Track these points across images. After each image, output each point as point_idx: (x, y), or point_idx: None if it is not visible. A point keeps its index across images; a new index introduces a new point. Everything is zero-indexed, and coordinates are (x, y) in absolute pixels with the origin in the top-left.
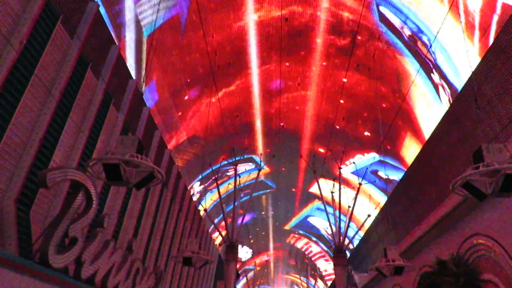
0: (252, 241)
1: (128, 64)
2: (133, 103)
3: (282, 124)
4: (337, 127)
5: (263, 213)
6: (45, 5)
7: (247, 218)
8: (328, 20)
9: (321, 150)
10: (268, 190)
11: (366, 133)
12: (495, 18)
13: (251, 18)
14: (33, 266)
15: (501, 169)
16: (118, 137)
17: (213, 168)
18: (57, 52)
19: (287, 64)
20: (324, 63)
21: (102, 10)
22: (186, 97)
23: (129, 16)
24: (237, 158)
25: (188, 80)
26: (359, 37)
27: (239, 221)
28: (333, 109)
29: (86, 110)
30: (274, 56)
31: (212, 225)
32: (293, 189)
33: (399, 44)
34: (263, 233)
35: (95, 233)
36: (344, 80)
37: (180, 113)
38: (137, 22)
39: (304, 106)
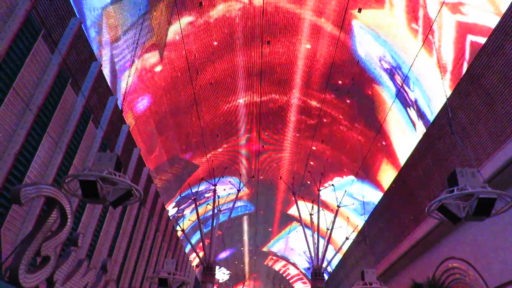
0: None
1: (108, 81)
2: (113, 120)
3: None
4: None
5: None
6: (26, 20)
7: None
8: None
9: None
10: (247, 211)
11: (345, 158)
12: (466, 53)
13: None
14: (3, 285)
15: (474, 193)
16: (96, 153)
17: (192, 189)
18: (37, 67)
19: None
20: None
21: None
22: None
23: (111, 33)
24: (216, 180)
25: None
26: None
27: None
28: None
29: (64, 126)
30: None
31: (190, 246)
32: (272, 211)
33: (376, 73)
34: (239, 260)
35: (68, 252)
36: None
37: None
38: (119, 40)
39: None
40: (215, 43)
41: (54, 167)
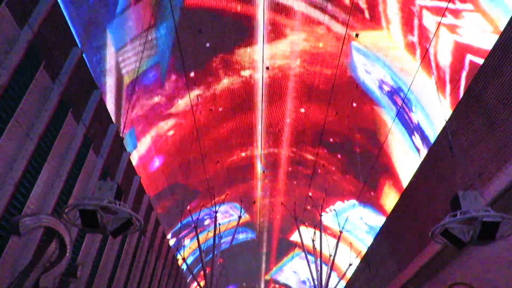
0: None
1: (109, 109)
2: (113, 148)
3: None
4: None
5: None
6: (28, 51)
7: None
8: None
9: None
10: (249, 238)
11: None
12: (464, 73)
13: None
14: None
15: (478, 217)
16: (96, 182)
17: (193, 216)
18: (38, 96)
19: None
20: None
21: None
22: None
23: (111, 62)
24: (217, 206)
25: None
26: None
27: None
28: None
29: (64, 154)
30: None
31: (191, 275)
32: (273, 237)
33: (375, 94)
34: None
35: (67, 283)
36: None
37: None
38: (119, 67)
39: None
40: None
41: (54, 196)
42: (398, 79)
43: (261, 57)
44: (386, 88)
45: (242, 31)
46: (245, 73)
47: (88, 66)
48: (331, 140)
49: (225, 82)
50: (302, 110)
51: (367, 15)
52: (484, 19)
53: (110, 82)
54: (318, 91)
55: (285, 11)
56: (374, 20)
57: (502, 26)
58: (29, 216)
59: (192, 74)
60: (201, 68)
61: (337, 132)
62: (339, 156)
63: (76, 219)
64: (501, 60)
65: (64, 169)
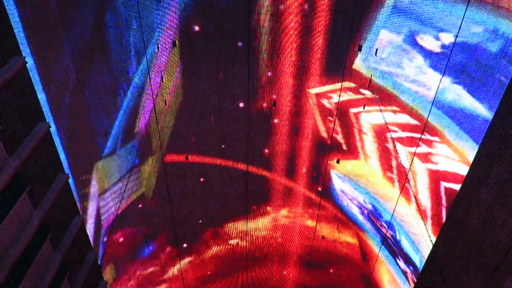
0: None
1: (90, 235)
2: (90, 277)
3: None
4: None
5: None
6: (14, 176)
7: None
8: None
9: None
10: None
11: None
12: (443, 198)
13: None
14: None
15: None
16: None
17: None
18: (17, 222)
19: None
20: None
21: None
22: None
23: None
24: None
25: None
26: None
27: None
28: None
29: (38, 282)
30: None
31: None
32: None
33: (359, 220)
34: None
35: None
36: None
37: None
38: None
39: None
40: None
41: None
42: (378, 204)
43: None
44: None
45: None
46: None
47: (73, 192)
48: None
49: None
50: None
51: None
52: None
53: (94, 206)
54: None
55: None
56: None
57: (470, 156)
58: None
59: None
60: None
61: None
62: None
63: None
64: (477, 186)
65: None
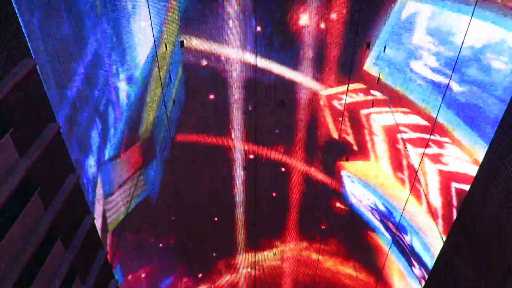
0: None
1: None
2: (100, 276)
3: None
4: None
5: None
6: (25, 177)
7: None
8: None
9: None
10: None
11: None
12: (454, 198)
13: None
14: None
15: None
16: None
17: None
18: (29, 222)
19: None
20: None
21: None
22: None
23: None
24: None
25: None
26: None
27: None
28: None
29: (49, 281)
30: None
31: None
32: None
33: (370, 220)
34: None
35: None
36: None
37: None
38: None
39: None
40: None
41: None
42: (389, 205)
43: None
44: (378, 215)
45: None
46: None
47: (85, 192)
48: None
49: None
50: None
51: None
52: None
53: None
54: None
55: None
56: None
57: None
58: None
59: None
60: None
61: None
62: None
63: None
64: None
65: None
